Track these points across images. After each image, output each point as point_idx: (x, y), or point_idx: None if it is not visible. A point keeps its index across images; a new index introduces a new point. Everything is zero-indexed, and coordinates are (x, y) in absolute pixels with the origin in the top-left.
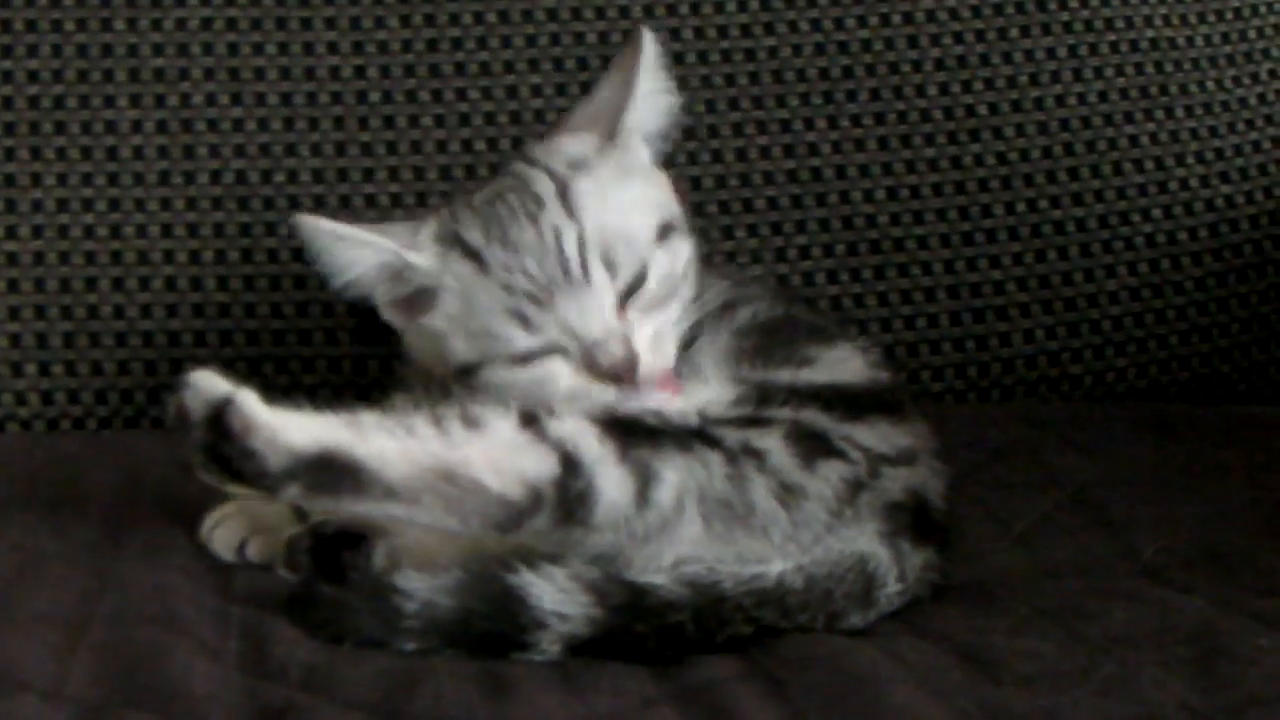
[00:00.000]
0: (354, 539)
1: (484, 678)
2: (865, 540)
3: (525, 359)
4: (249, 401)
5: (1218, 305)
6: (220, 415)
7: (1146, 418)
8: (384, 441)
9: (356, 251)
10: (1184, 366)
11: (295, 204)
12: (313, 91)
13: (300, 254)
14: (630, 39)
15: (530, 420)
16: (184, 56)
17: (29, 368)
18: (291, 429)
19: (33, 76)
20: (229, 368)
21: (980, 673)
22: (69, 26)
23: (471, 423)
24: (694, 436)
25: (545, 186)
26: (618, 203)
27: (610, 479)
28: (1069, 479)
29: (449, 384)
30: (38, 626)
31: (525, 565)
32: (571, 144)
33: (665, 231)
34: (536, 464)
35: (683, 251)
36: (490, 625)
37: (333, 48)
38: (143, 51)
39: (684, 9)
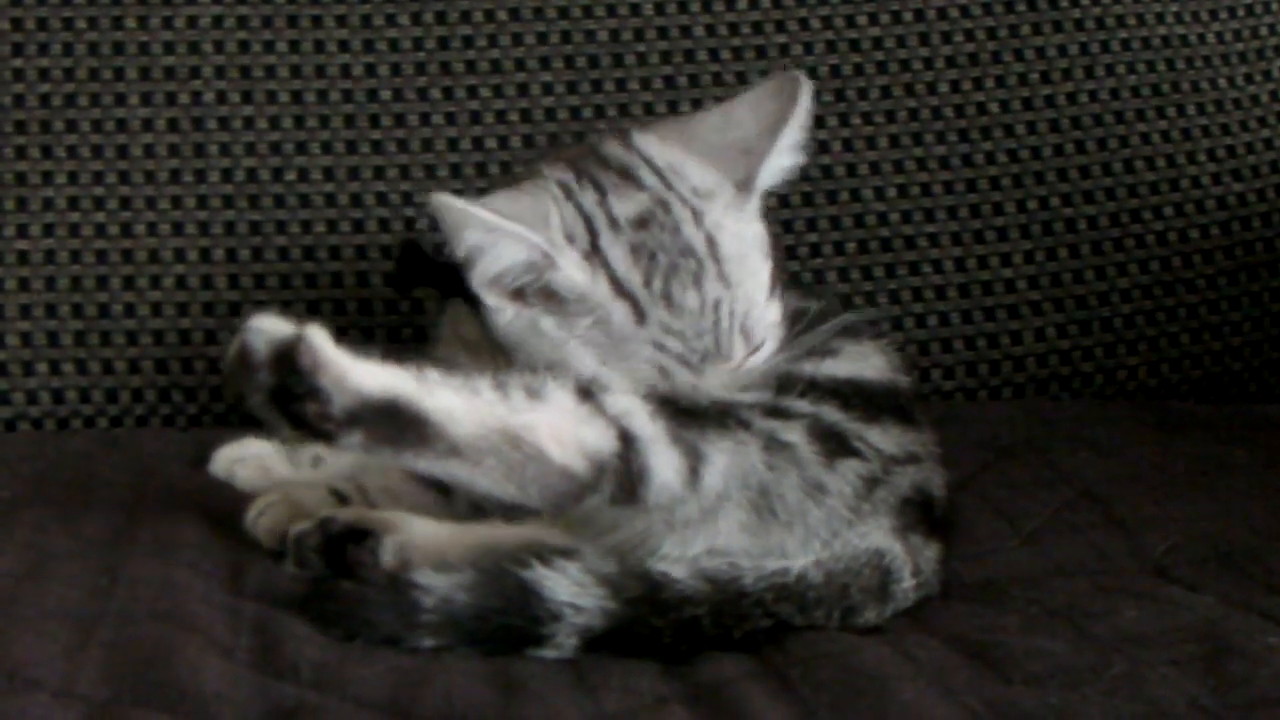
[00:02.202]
0: (361, 535)
1: (495, 676)
2: (880, 535)
3: None
4: (320, 339)
5: (1229, 303)
6: (289, 353)
7: (1157, 416)
8: (451, 398)
9: (506, 245)
10: (1195, 365)
11: (306, 202)
12: (324, 89)
13: (311, 253)
14: (784, 78)
15: (587, 394)
16: (195, 54)
17: (40, 366)
18: (361, 372)
19: (44, 74)
20: None
21: (989, 671)
22: (80, 24)
23: (533, 392)
24: (729, 416)
25: (696, 237)
26: (752, 264)
27: (663, 459)
28: (1079, 477)
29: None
30: (48, 624)
31: (538, 560)
32: (699, 175)
33: (773, 286)
34: (597, 438)
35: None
36: (506, 620)
37: (344, 45)
38: (154, 49)
39: (694, 6)
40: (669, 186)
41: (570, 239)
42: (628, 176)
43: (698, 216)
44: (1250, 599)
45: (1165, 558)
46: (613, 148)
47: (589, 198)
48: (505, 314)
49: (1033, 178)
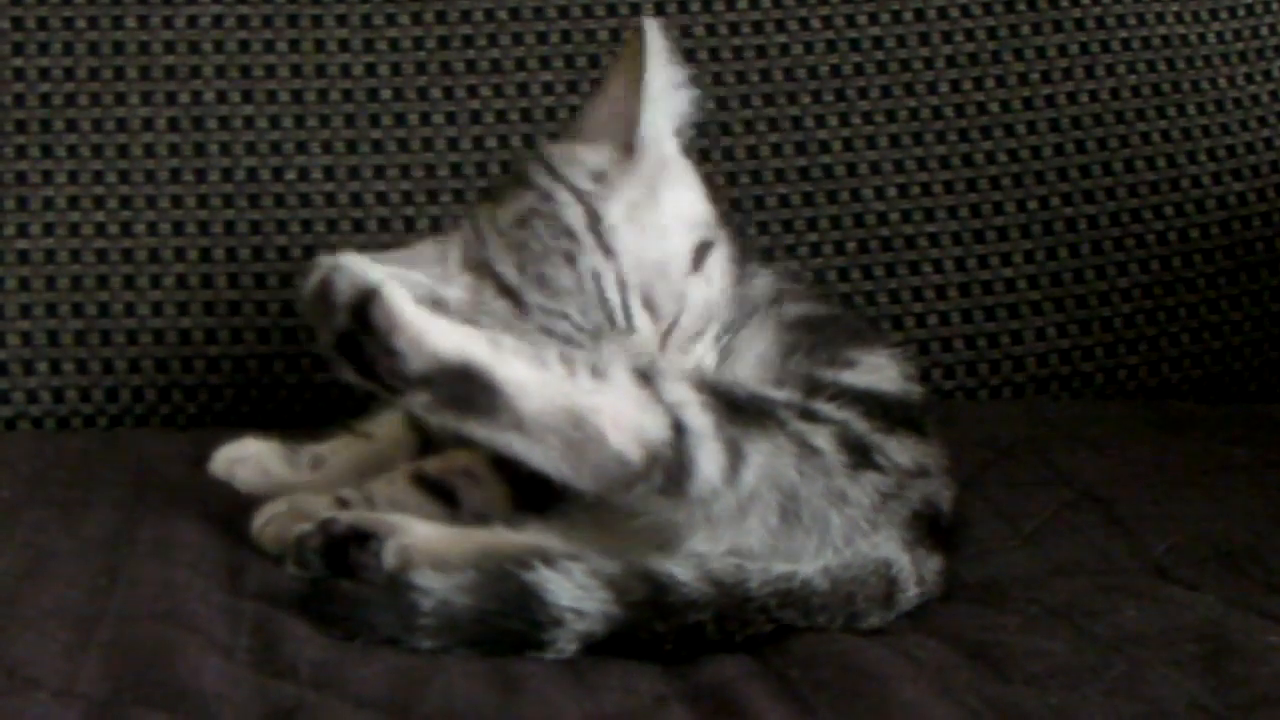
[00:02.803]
0: (363, 537)
1: (494, 675)
2: (890, 546)
3: None
4: (398, 297)
5: (1229, 303)
6: (365, 307)
7: (1157, 415)
8: (522, 369)
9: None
10: (1195, 364)
11: (306, 201)
12: (324, 88)
13: (311, 252)
14: (630, 33)
15: (645, 378)
16: (195, 54)
17: (40, 366)
18: (437, 334)
19: (44, 74)
20: (240, 365)
21: (990, 671)
22: (80, 24)
23: (598, 372)
24: (767, 416)
25: (574, 215)
26: (651, 230)
27: (708, 453)
28: (1079, 477)
29: None
30: (48, 624)
31: (542, 562)
32: (590, 155)
33: (701, 252)
34: (653, 426)
35: (717, 269)
36: (506, 624)
37: (344, 45)
38: (154, 49)
39: (695, 6)
40: (557, 178)
41: (468, 264)
42: (521, 182)
43: (580, 197)
44: (1250, 598)
45: (1165, 557)
46: (522, 162)
47: (484, 213)
48: None
49: (1033, 177)
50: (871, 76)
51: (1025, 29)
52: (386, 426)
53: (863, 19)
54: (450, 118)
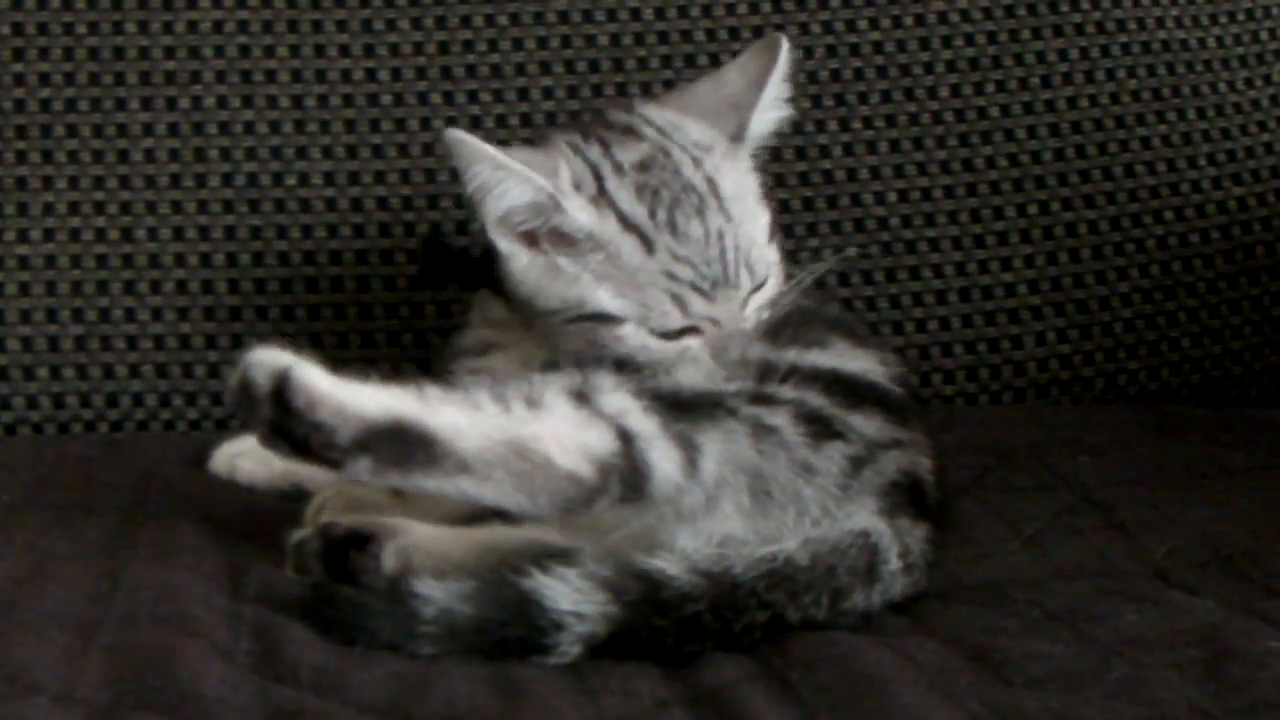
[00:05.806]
0: (362, 540)
1: (496, 680)
2: (865, 516)
3: (669, 334)
4: (307, 375)
5: (1229, 307)
6: (282, 391)
7: (1157, 420)
8: (454, 413)
9: (511, 184)
10: (1195, 368)
11: (307, 206)
12: (324, 94)
13: (312, 257)
14: (765, 40)
15: (581, 398)
16: (196, 59)
17: (40, 371)
18: (361, 399)
19: (44, 79)
20: None
21: (990, 674)
22: (81, 29)
23: (533, 402)
24: (715, 407)
25: (696, 177)
26: (748, 205)
27: (661, 453)
28: (1079, 481)
29: (540, 323)
30: (49, 628)
31: (537, 568)
32: (695, 129)
33: (771, 234)
34: (598, 440)
35: (775, 249)
36: (508, 631)
37: (344, 50)
38: (154, 54)
39: (695, 11)
40: (668, 138)
41: (578, 187)
42: (629, 132)
43: (696, 162)
44: (1250, 602)
45: (1165, 561)
46: (616, 113)
47: (594, 151)
48: (520, 259)
49: (1033, 182)
50: (871, 81)
51: (1025, 34)
52: None
53: (863, 24)
54: (450, 123)
